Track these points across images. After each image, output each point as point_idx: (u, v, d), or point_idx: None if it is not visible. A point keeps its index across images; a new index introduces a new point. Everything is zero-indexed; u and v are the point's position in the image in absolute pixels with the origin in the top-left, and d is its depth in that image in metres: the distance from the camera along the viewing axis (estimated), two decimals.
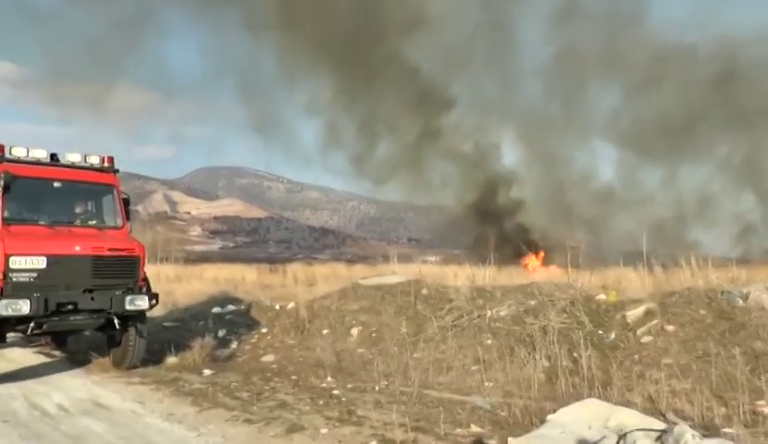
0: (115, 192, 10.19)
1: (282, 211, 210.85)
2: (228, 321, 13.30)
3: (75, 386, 8.66)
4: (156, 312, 18.11)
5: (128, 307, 9.10)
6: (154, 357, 10.36)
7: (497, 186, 48.01)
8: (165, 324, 13.63)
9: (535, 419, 6.30)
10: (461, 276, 13.73)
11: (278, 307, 13.37)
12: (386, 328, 10.54)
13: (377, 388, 8.12)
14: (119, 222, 10.10)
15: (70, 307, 8.81)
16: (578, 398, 6.54)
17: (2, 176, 9.01)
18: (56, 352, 11.42)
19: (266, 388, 8.45)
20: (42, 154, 9.71)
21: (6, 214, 9.01)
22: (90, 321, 9.19)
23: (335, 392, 7.99)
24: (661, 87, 48.53)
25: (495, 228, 46.58)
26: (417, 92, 48.11)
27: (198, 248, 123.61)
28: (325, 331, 11.19)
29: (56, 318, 8.75)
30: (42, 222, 9.41)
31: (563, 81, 56.79)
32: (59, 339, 11.42)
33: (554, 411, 5.95)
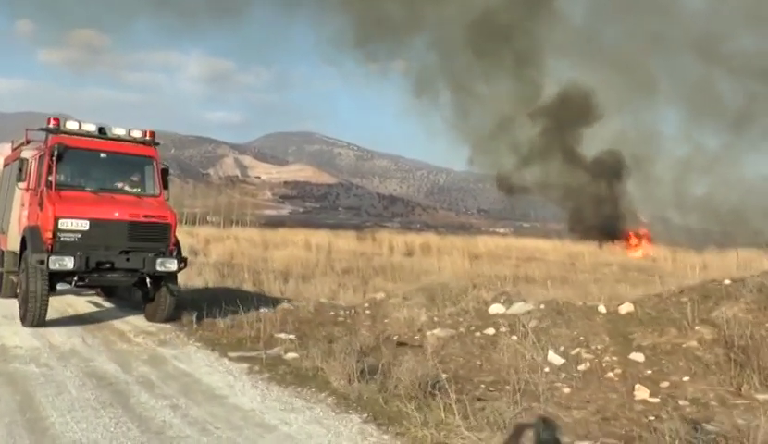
0: (154, 164, 11.30)
1: (352, 178, 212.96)
2: (536, 331, 8.26)
3: None
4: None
5: (158, 268, 10.13)
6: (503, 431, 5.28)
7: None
8: (435, 333, 9.15)
9: None
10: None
11: (603, 309, 8.79)
12: None
13: None
14: (157, 191, 11.22)
15: (108, 266, 9.98)
16: None
17: (56, 147, 10.30)
18: (107, 303, 12.67)
19: None
20: (91, 127, 10.98)
21: (57, 179, 10.27)
22: (125, 279, 10.38)
23: None
24: None
25: (592, 203, 46.94)
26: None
27: (268, 212, 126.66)
28: None
29: (96, 274, 9.98)
30: (88, 188, 10.65)
31: None
32: (108, 290, 12.86)
33: None
